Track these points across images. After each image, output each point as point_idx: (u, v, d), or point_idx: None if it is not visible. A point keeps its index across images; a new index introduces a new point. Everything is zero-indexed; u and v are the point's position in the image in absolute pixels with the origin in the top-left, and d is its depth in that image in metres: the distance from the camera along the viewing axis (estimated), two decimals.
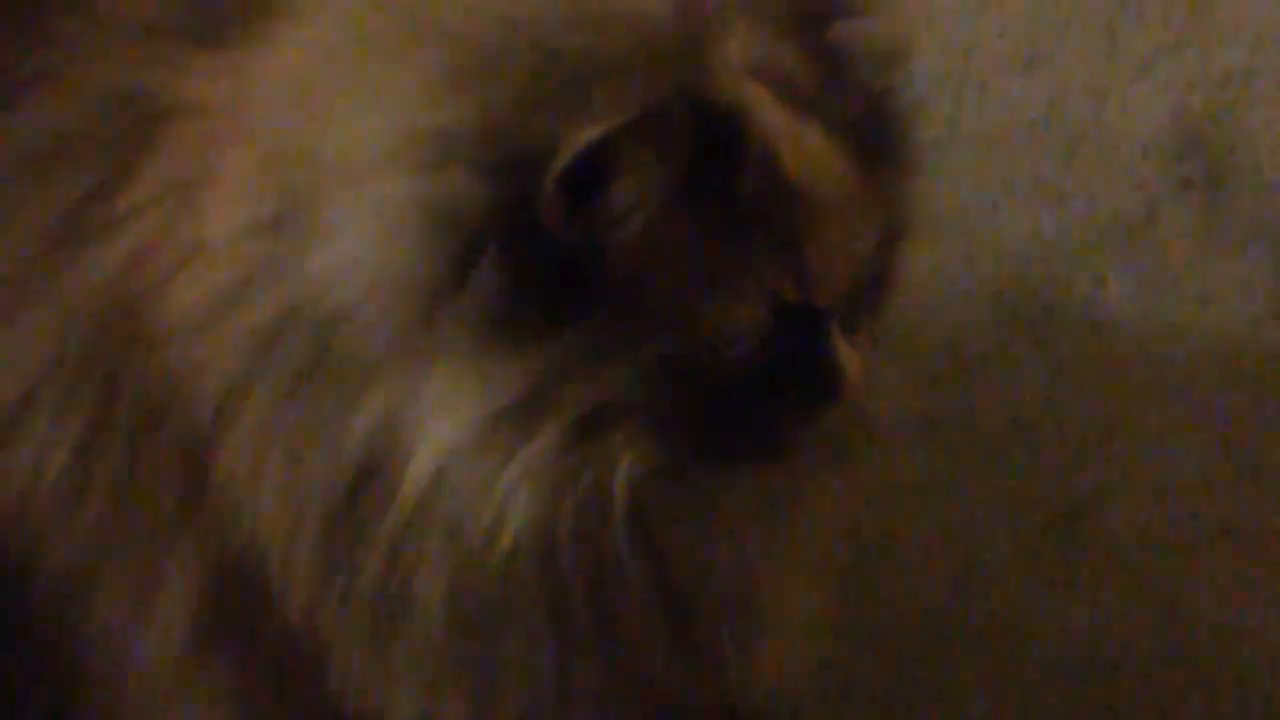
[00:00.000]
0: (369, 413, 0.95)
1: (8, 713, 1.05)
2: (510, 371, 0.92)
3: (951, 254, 1.40)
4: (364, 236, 0.92)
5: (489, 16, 0.93)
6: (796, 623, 1.08)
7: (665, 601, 1.01)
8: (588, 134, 0.88)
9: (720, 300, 0.93)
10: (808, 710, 1.33)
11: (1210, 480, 1.40)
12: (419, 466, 0.94)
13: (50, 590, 1.02)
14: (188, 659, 1.00)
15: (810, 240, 0.94)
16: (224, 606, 1.00)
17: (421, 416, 0.94)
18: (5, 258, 1.01)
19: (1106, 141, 1.39)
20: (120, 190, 0.99)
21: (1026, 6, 1.40)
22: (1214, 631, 1.41)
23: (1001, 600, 1.43)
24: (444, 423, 0.93)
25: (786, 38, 0.96)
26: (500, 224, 0.90)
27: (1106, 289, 1.40)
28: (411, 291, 0.92)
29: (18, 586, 1.02)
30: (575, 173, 0.89)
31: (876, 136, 0.98)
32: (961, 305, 1.42)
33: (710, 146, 0.91)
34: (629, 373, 0.92)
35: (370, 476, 0.96)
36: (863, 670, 1.41)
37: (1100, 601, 1.42)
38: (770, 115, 0.93)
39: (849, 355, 0.96)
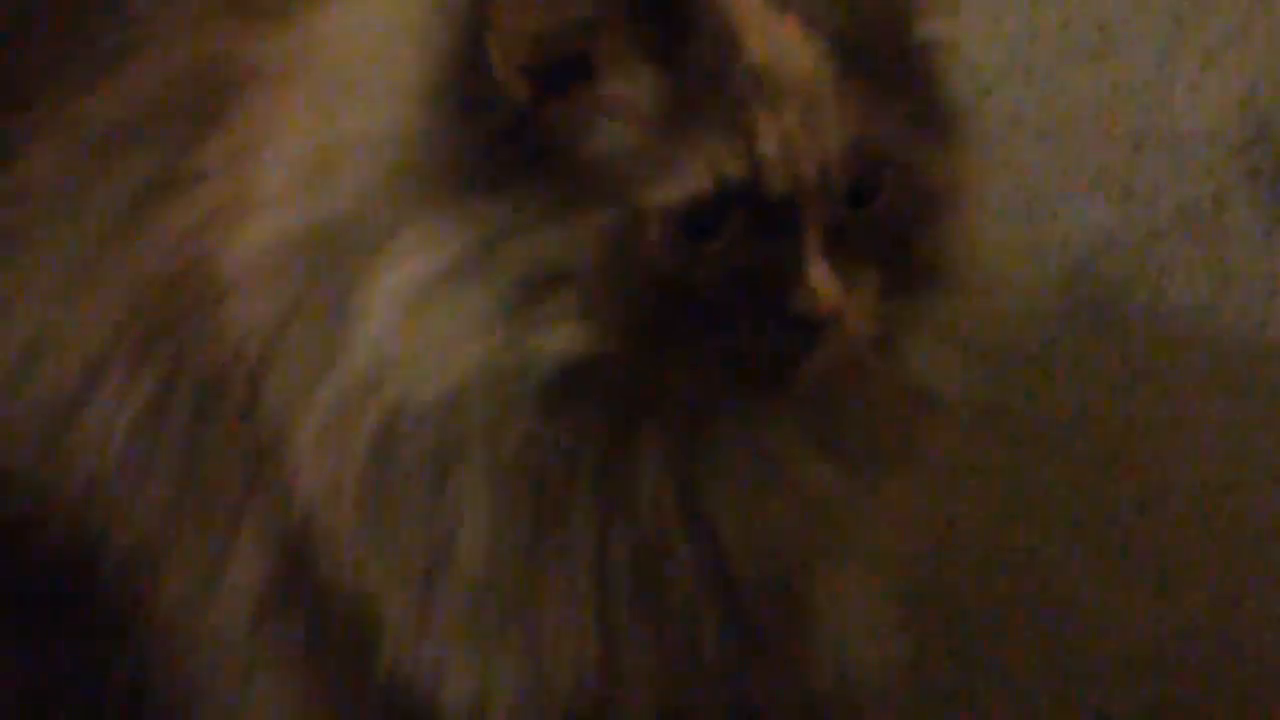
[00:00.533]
0: (368, 312, 0.95)
1: (90, 693, 1.05)
2: (454, 230, 0.92)
3: (1017, 245, 1.39)
4: (371, 114, 0.95)
5: None
6: (859, 623, 1.07)
7: (715, 580, 1.00)
8: None
9: (657, 171, 0.92)
10: (870, 706, 1.32)
11: (1276, 474, 1.39)
12: (366, 332, 0.94)
13: (121, 566, 1.03)
14: (257, 630, 1.01)
15: (764, 121, 0.92)
16: (290, 575, 1.01)
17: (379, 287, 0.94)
18: (83, 232, 1.03)
19: (1172, 131, 1.38)
20: (192, 157, 1.01)
21: None
22: (1277, 625, 1.40)
23: (1065, 592, 1.42)
24: (390, 281, 0.93)
25: None
26: (459, 78, 0.92)
27: (1173, 280, 1.39)
28: (404, 146, 0.94)
29: (90, 565, 1.03)
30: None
31: (878, 64, 0.96)
32: (1027, 296, 1.41)
33: (661, 12, 0.92)
34: (566, 237, 0.92)
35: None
36: (927, 664, 1.40)
37: (1164, 595, 1.41)
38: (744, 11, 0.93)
39: (825, 275, 0.93)
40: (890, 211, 0.97)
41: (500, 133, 0.93)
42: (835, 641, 1.06)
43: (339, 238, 0.96)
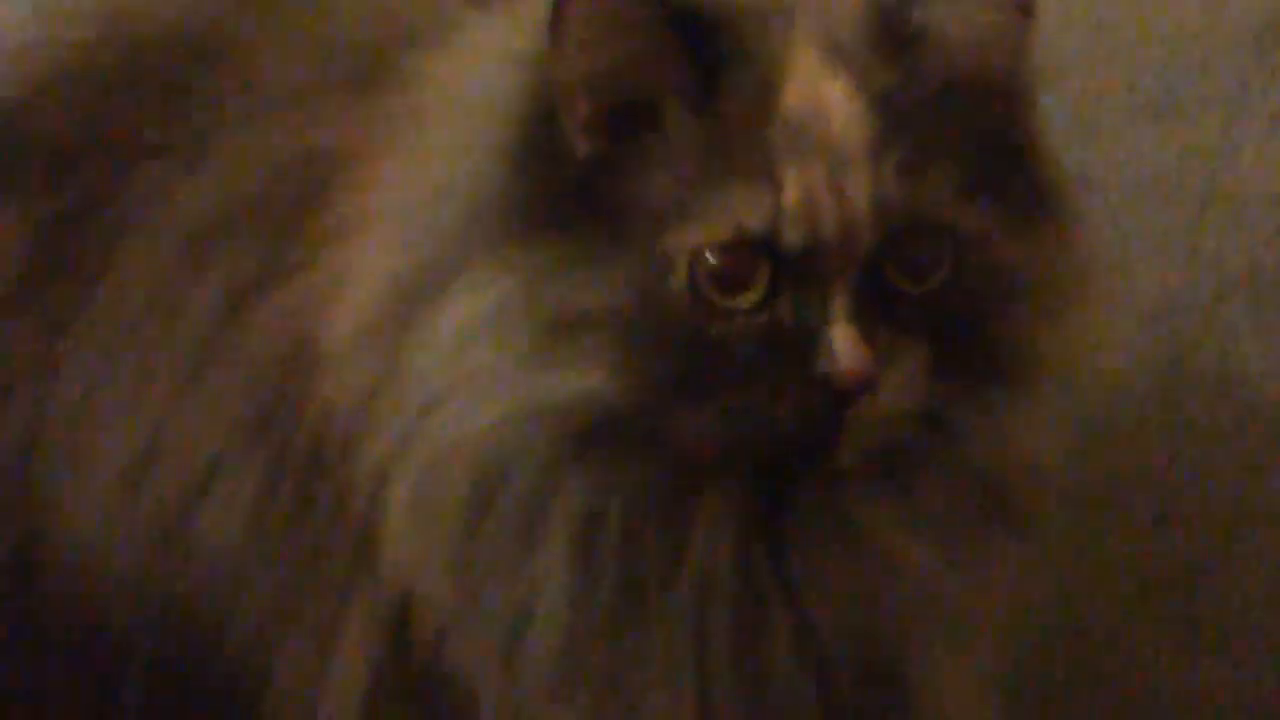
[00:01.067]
0: (423, 351, 0.96)
1: None
2: (504, 272, 0.93)
3: None
4: (451, 166, 0.96)
5: None
6: (959, 706, 1.03)
7: (810, 655, 0.97)
8: None
9: (684, 216, 0.91)
10: None
11: None
12: (418, 369, 0.95)
13: (233, 663, 1.01)
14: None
15: (789, 172, 0.91)
16: (395, 663, 0.99)
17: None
18: (188, 331, 1.02)
19: (1238, 195, 1.39)
20: (291, 248, 1.00)
21: (1157, 57, 1.39)
22: None
23: (1127, 658, 1.41)
24: (443, 321, 0.94)
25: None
26: (529, 129, 0.94)
27: (1238, 342, 1.40)
28: (475, 194, 0.95)
29: (212, 652, 1.02)
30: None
31: (938, 131, 0.94)
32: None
33: (706, 56, 0.92)
34: (597, 280, 0.92)
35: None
36: None
37: (1227, 661, 1.41)
38: (784, 48, 0.93)
39: (850, 339, 0.91)
40: (955, 290, 0.94)
41: (559, 181, 0.93)
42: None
43: (417, 290, 0.96)
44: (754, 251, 0.91)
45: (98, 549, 1.02)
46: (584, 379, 0.92)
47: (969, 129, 0.95)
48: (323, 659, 1.00)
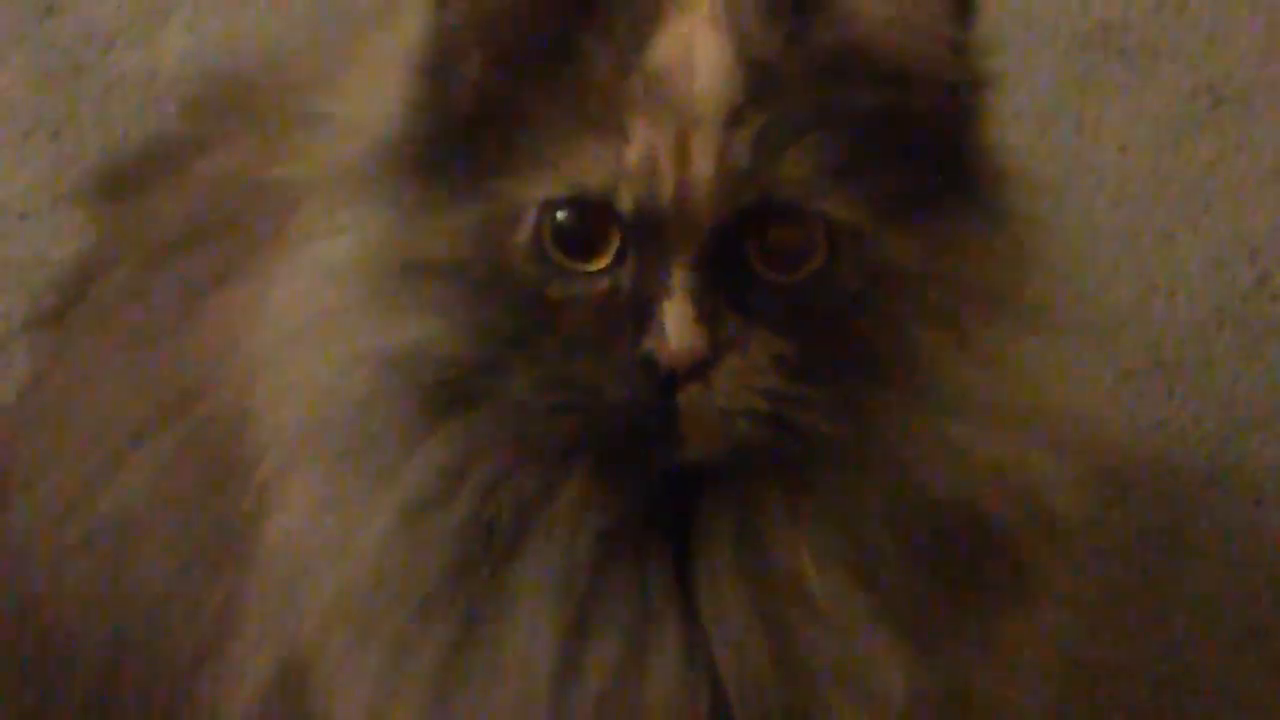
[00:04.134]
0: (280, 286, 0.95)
1: None
2: (368, 215, 0.91)
3: None
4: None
5: None
6: None
7: (699, 675, 0.89)
8: None
9: (528, 171, 0.87)
10: None
11: None
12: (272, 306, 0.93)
13: (138, 636, 1.00)
14: None
15: (637, 131, 0.85)
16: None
17: None
18: (150, 319, 1.03)
19: None
20: (254, 256, 0.98)
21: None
22: None
23: (1235, 705, 1.37)
24: (300, 260, 0.93)
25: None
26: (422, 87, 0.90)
27: None
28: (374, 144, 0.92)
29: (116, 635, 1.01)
30: None
31: (823, 111, 0.86)
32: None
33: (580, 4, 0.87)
34: (442, 227, 0.88)
35: None
36: None
37: None
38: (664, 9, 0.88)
39: (683, 318, 0.84)
40: (829, 285, 0.87)
41: (439, 129, 0.89)
42: None
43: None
44: (600, 213, 0.86)
45: (32, 529, 1.03)
46: (423, 329, 0.88)
47: (864, 111, 0.87)
48: (218, 642, 0.97)
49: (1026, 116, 1.36)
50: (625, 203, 0.85)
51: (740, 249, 0.86)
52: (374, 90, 0.93)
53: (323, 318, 0.91)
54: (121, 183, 1.13)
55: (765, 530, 0.89)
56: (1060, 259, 0.95)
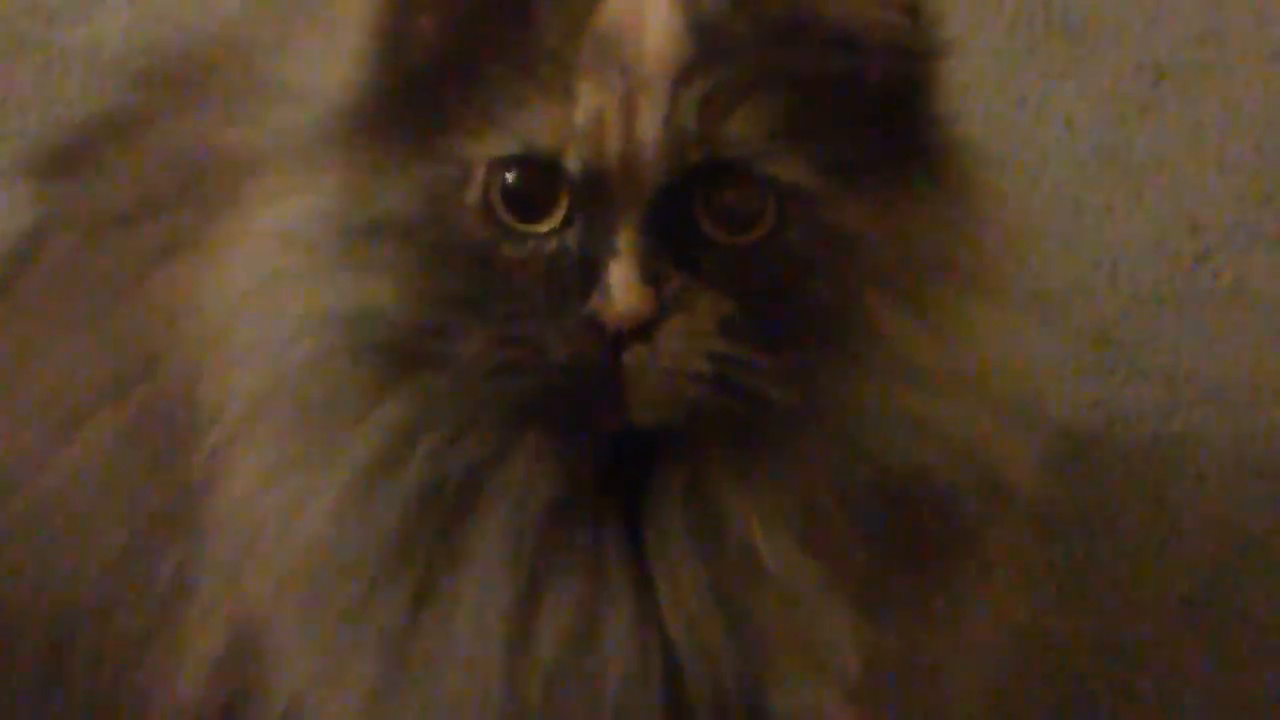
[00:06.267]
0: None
1: None
2: (322, 178, 0.91)
3: None
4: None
5: None
6: None
7: (656, 667, 0.90)
8: None
9: (483, 129, 0.87)
10: None
11: None
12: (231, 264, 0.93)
13: (86, 613, 1.00)
14: None
15: (587, 87, 0.86)
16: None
17: None
18: (100, 287, 1.03)
19: None
20: (204, 226, 0.98)
21: None
22: None
23: (1162, 673, 1.38)
24: (257, 225, 0.92)
25: None
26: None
27: None
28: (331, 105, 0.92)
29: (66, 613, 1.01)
30: None
31: (769, 73, 0.87)
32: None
33: None
34: (394, 187, 0.88)
35: None
36: None
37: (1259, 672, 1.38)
38: None
39: (628, 277, 0.84)
40: (777, 248, 0.87)
41: (392, 89, 0.90)
42: None
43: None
44: (547, 174, 0.86)
45: None
46: (375, 290, 0.88)
47: (813, 75, 0.88)
48: (169, 613, 0.97)
49: (971, 92, 1.36)
50: (573, 162, 0.86)
51: (689, 210, 0.86)
52: (327, 55, 0.93)
53: (274, 281, 0.91)
54: (68, 157, 1.12)
55: (716, 498, 0.89)
56: (1010, 228, 0.95)
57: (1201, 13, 1.38)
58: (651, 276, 0.85)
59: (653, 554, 0.90)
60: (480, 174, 0.87)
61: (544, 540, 0.89)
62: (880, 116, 0.89)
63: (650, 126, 0.86)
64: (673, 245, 0.86)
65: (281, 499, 0.91)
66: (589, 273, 0.85)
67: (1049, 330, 1.24)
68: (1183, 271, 1.40)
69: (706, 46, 0.86)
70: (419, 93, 0.89)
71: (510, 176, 0.87)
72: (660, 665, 0.90)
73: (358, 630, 0.91)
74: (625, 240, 0.85)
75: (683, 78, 0.86)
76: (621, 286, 0.84)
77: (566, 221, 0.87)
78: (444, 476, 0.89)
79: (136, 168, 1.05)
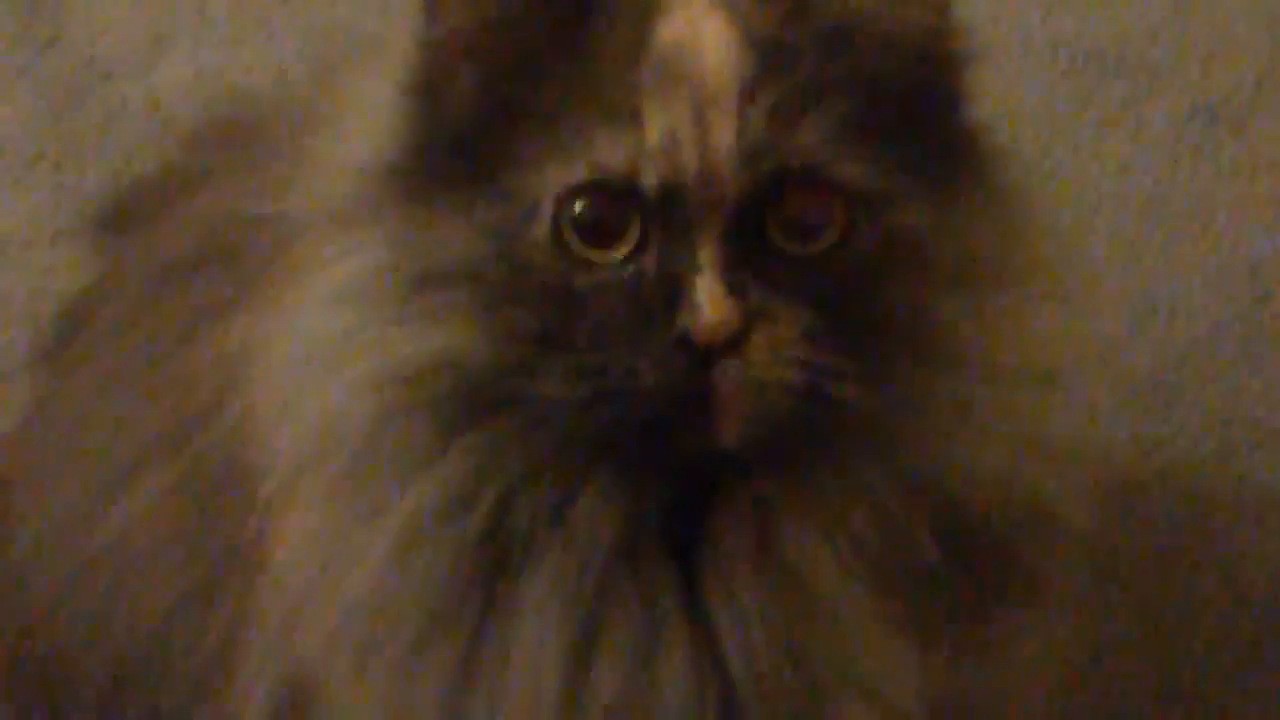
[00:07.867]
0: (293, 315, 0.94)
1: None
2: (380, 234, 0.91)
3: None
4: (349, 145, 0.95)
5: None
6: None
7: (708, 679, 0.90)
8: None
9: (542, 162, 0.87)
10: None
11: None
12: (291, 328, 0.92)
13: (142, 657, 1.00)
14: None
15: (652, 111, 0.87)
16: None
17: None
18: (154, 340, 1.03)
19: None
20: (257, 285, 0.98)
21: None
22: None
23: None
24: (315, 289, 0.92)
25: None
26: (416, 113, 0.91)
27: None
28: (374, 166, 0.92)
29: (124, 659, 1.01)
30: None
31: (827, 83, 0.88)
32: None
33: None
34: (460, 232, 0.88)
35: None
36: None
37: None
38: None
39: (715, 292, 0.84)
40: (848, 253, 0.88)
41: (438, 141, 0.90)
42: None
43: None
44: (619, 199, 0.86)
45: (32, 558, 1.03)
46: (442, 337, 0.88)
47: (865, 81, 0.89)
48: (220, 670, 0.97)
49: (1026, 137, 1.37)
50: (649, 182, 0.86)
51: (761, 222, 0.87)
52: (366, 125, 0.93)
53: (330, 341, 0.91)
54: (122, 216, 1.14)
55: (777, 531, 0.89)
56: (1054, 230, 0.96)
57: (1255, 55, 1.38)
58: (736, 288, 0.85)
59: (710, 589, 0.90)
60: (548, 207, 0.87)
61: (603, 583, 0.89)
62: (926, 119, 0.90)
63: (725, 140, 0.86)
64: (749, 258, 0.86)
65: (332, 556, 0.91)
66: (671, 292, 0.85)
67: (1104, 374, 1.25)
68: (1240, 314, 1.40)
69: (766, 59, 0.87)
70: (467, 140, 0.89)
71: (580, 205, 0.87)
72: (716, 700, 0.90)
73: (410, 686, 0.91)
74: (707, 255, 0.85)
75: (749, 91, 0.87)
76: (709, 300, 0.84)
77: (640, 245, 0.86)
78: (503, 526, 0.89)
79: (186, 230, 1.05)
